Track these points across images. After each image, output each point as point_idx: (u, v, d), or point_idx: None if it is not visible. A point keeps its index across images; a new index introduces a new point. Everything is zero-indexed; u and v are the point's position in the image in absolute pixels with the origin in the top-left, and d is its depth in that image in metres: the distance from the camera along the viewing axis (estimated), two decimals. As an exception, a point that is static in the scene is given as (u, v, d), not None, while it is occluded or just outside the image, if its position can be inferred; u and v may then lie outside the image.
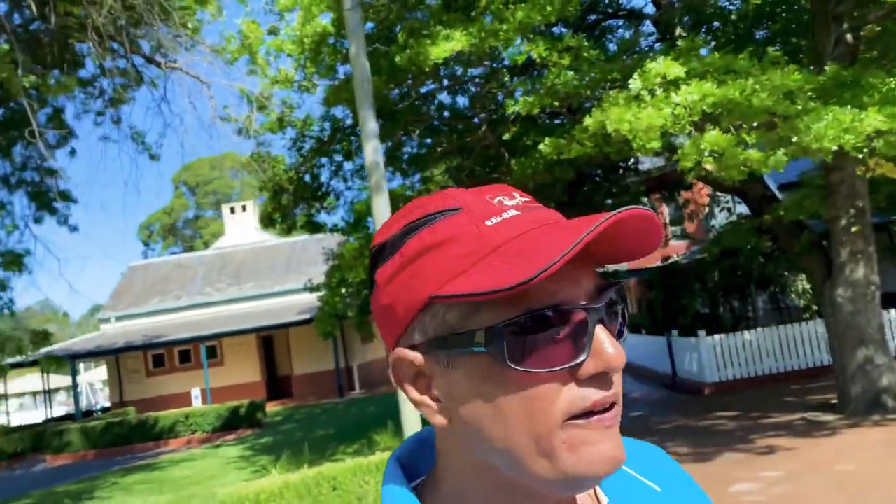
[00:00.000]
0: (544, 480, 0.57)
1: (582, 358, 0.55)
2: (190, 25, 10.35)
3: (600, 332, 0.56)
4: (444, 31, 8.59)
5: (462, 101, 13.21)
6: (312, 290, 13.77)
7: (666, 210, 20.96)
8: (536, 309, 0.55)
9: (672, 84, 6.67)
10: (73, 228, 13.45)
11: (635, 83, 6.76)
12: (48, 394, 28.61)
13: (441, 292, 0.56)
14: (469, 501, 0.62)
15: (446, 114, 12.89)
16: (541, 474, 0.56)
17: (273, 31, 12.28)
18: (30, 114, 7.21)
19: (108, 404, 30.20)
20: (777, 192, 15.37)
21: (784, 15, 11.10)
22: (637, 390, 15.50)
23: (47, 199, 13.11)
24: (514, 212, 0.60)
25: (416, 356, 0.60)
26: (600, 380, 0.57)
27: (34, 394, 43.14)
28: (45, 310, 73.49)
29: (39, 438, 20.50)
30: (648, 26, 12.64)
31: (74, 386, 24.90)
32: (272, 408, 23.87)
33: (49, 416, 27.91)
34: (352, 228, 11.67)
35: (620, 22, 13.14)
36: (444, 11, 9.80)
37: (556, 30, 11.33)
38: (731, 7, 11.75)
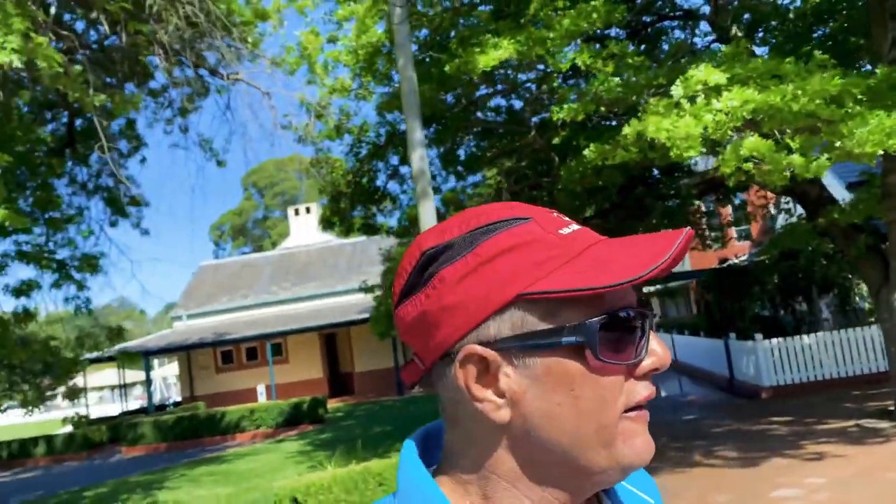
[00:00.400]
0: (599, 469, 0.62)
1: (643, 354, 0.63)
2: (250, 39, 10.84)
3: (652, 335, 0.64)
4: (493, 39, 8.78)
5: (517, 103, 13.40)
6: (366, 290, 14.15)
7: (730, 211, 20.61)
8: (618, 309, 0.61)
9: (713, 90, 6.71)
10: (145, 232, 14.20)
11: (677, 90, 6.82)
12: (124, 388, 30.06)
13: (531, 289, 0.60)
14: (492, 495, 0.65)
15: (498, 118, 13.08)
16: (598, 463, 0.62)
17: (333, 40, 12.71)
18: (100, 130, 7.77)
19: (179, 398, 31.47)
20: (846, 192, 15.00)
21: (844, 12, 10.86)
22: (694, 393, 15.37)
23: (122, 204, 13.86)
24: (576, 226, 0.66)
25: (489, 351, 0.61)
26: (648, 377, 0.64)
27: (112, 388, 45.25)
28: (123, 307, 76.81)
29: (116, 430, 21.60)
30: (706, 26, 12.54)
31: (148, 381, 26.06)
32: (334, 404, 24.51)
33: (124, 410, 29.33)
34: (405, 232, 11.98)
35: (676, 23, 13.06)
36: (494, 20, 10.00)
37: (611, 32, 11.40)
38: (790, 6, 11.53)
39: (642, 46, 12.26)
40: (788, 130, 6.75)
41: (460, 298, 0.62)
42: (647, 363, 0.63)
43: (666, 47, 12.32)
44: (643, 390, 0.63)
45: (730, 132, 6.67)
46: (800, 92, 6.27)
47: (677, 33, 13.27)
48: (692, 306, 24.66)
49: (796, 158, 6.46)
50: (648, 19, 12.65)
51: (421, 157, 7.85)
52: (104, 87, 10.63)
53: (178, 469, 14.94)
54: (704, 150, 8.44)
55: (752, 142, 6.25)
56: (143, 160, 13.74)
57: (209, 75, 12.13)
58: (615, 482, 0.65)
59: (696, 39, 13.04)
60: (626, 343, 0.61)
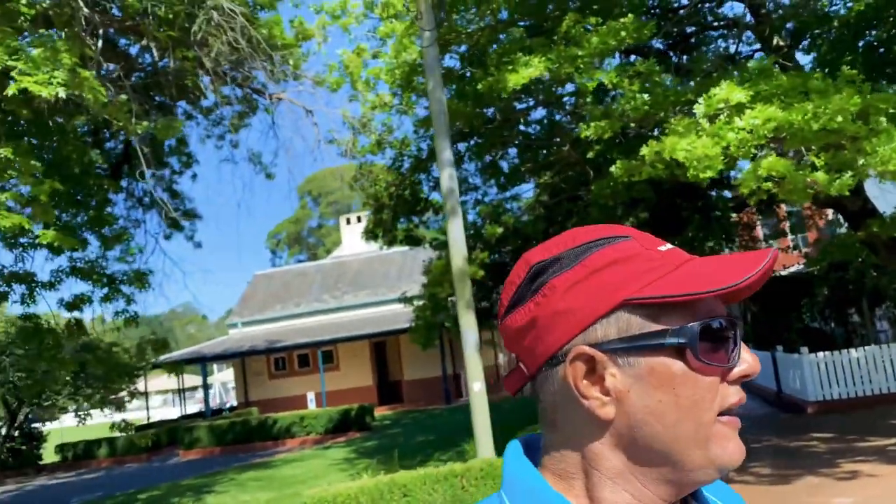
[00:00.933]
0: (696, 466, 0.66)
1: (736, 360, 0.67)
2: (291, 61, 11.23)
3: (742, 345, 0.69)
4: (524, 57, 8.92)
5: (558, 116, 13.48)
6: (406, 301, 14.42)
7: (778, 222, 20.21)
8: (713, 316, 0.66)
9: (736, 108, 6.72)
10: (198, 245, 14.79)
11: (699, 109, 6.85)
12: (182, 392, 31.11)
13: (637, 295, 0.66)
14: (594, 490, 0.69)
15: (540, 130, 13.18)
16: (694, 460, 0.66)
17: (376, 56, 13.05)
18: (141, 156, 8.23)
19: (235, 403, 32.41)
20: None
21: (891, 20, 10.64)
22: (742, 406, 15.10)
23: (175, 218, 14.45)
24: (670, 245, 0.71)
25: (596, 352, 0.66)
26: (738, 384, 0.68)
27: (174, 391, 46.84)
28: (187, 312, 79.26)
29: (174, 433, 22.43)
30: (752, 34, 12.42)
31: (205, 386, 26.90)
32: (383, 412, 24.89)
33: (183, 413, 30.36)
34: (442, 245, 12.20)
35: (718, 32, 12.96)
36: (528, 37, 10.12)
37: (655, 44, 11.38)
38: (834, 14, 11.31)
39: (684, 57, 12.23)
40: (814, 147, 6.71)
41: (570, 304, 0.67)
42: (738, 369, 0.68)
43: (710, 56, 12.21)
44: (734, 394, 0.68)
45: (753, 150, 6.67)
46: (820, 110, 6.24)
47: (721, 42, 13.18)
48: (743, 316, 24.21)
49: (820, 176, 6.42)
50: (690, 29, 12.59)
51: (450, 177, 8.05)
52: (157, 108, 11.19)
53: (229, 473, 15.45)
54: (734, 171, 8.43)
55: (769, 161, 6.25)
56: (195, 176, 14.36)
57: (255, 94, 12.62)
58: (711, 480, 0.69)
59: (743, 48, 12.92)
60: (721, 348, 0.66)
